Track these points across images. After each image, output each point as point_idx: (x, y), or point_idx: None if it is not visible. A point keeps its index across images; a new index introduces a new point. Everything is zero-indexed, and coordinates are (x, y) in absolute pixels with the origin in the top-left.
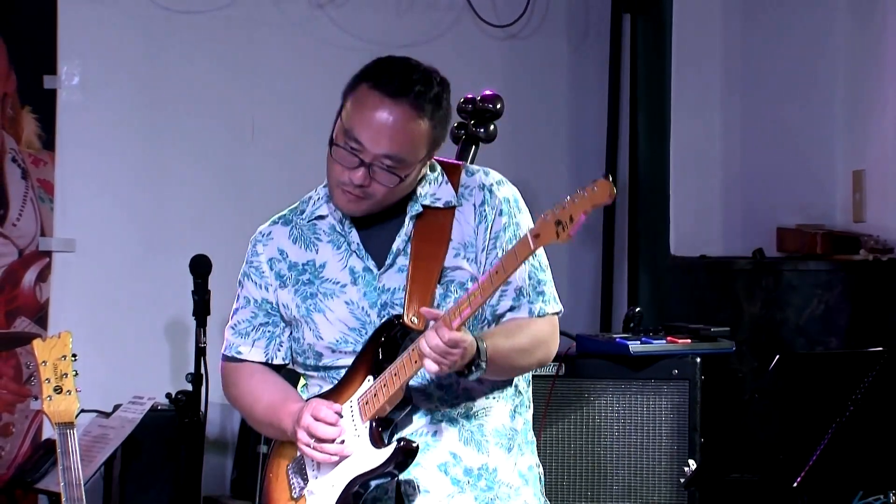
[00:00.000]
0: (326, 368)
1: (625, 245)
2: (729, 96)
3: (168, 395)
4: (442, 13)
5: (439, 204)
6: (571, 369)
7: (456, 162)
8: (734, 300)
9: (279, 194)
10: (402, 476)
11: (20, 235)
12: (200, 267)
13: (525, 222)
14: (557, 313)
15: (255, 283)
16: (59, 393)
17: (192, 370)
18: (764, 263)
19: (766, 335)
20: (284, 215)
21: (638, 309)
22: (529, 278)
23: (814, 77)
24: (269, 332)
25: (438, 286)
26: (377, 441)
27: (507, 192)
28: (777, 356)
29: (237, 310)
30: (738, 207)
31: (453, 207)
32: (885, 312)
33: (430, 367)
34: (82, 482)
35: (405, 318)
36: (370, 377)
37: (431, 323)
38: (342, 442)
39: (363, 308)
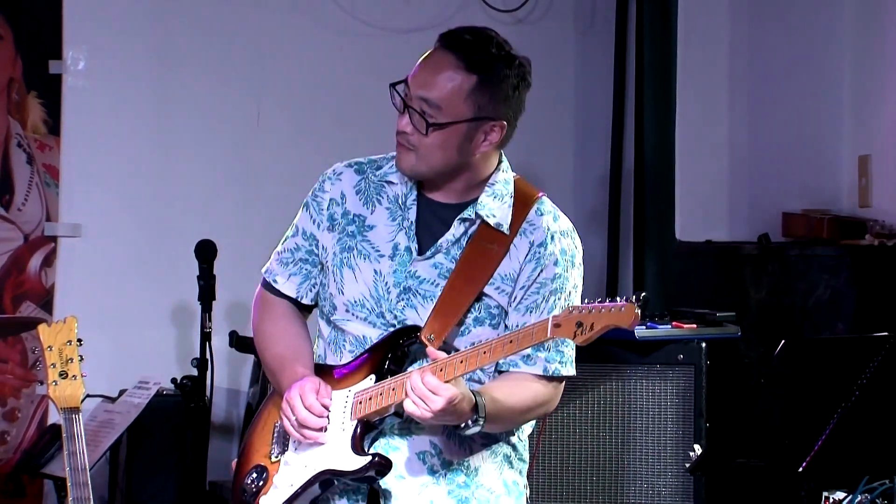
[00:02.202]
0: (335, 327)
1: (630, 230)
2: (735, 81)
3: (174, 381)
4: None
5: (491, 221)
6: (577, 354)
7: (535, 190)
8: (740, 285)
9: (285, 179)
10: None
11: (26, 220)
12: (206, 252)
13: (574, 280)
14: (570, 378)
15: (311, 217)
16: (64, 378)
17: (197, 355)
18: (770, 249)
19: (772, 320)
20: (361, 163)
21: (644, 294)
22: None
23: (820, 62)
24: (305, 270)
25: (472, 308)
26: (357, 447)
27: (568, 244)
28: (783, 341)
29: (288, 237)
30: (743, 193)
31: (506, 236)
32: (891, 297)
33: (408, 407)
34: (88, 467)
35: (423, 334)
36: (372, 377)
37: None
38: (325, 430)
39: (387, 284)
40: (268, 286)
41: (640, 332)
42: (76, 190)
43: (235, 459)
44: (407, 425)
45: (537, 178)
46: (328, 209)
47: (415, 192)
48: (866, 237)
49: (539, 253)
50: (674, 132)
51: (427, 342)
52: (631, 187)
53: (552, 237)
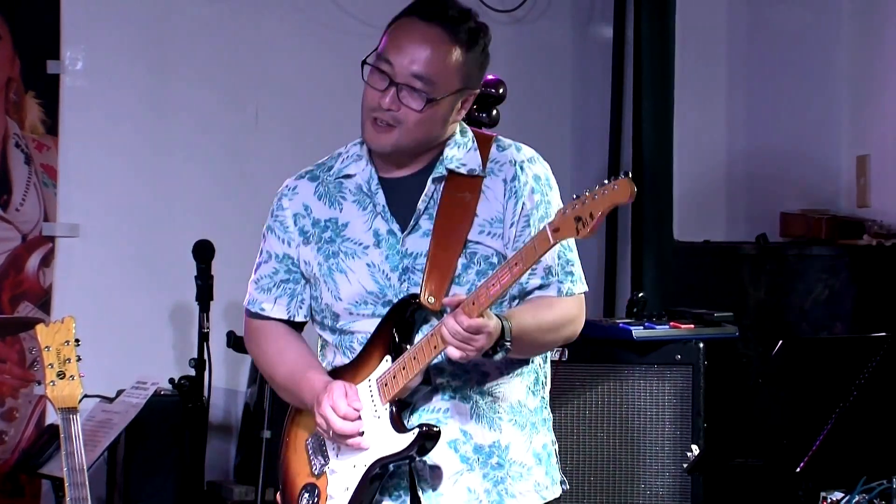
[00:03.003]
0: (342, 332)
1: (628, 230)
2: (733, 81)
3: (171, 381)
4: None
5: (463, 170)
6: (575, 354)
7: (488, 132)
8: (738, 285)
9: (283, 179)
10: None
11: (24, 220)
12: (204, 252)
13: (556, 201)
14: (584, 293)
15: (278, 238)
16: (62, 378)
17: (195, 355)
18: (769, 248)
19: (771, 320)
20: (311, 171)
21: (641, 294)
22: (559, 257)
23: (818, 62)
24: (290, 289)
25: (461, 258)
26: (398, 425)
27: (539, 169)
28: (781, 341)
29: (260, 264)
30: (742, 193)
31: (479, 178)
32: (889, 297)
33: (453, 353)
34: (86, 467)
35: (422, 297)
36: (388, 357)
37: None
38: (361, 433)
39: (384, 271)
40: (255, 316)
41: (638, 332)
42: (74, 190)
43: (278, 493)
44: (435, 415)
45: None
46: (296, 224)
47: (376, 177)
48: (864, 237)
49: (514, 187)
50: (672, 132)
51: (428, 305)
52: None
53: (521, 167)
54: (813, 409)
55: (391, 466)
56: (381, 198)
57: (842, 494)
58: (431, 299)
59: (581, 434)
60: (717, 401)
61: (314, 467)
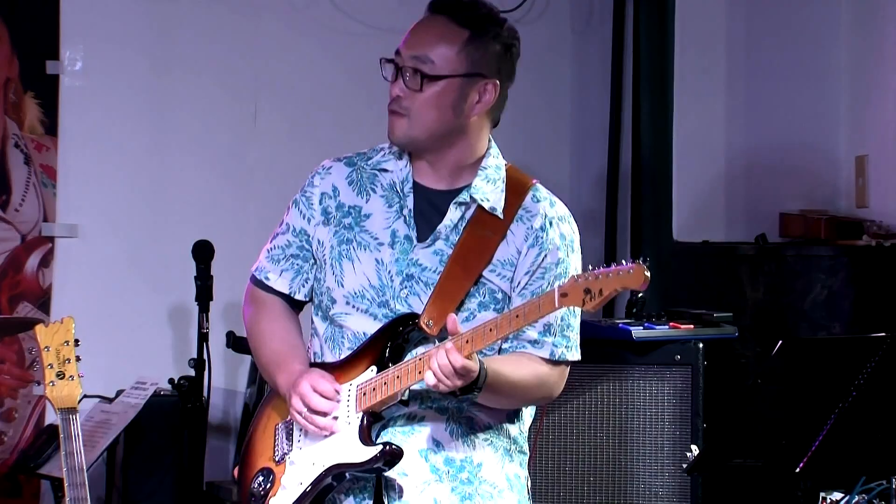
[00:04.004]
0: (333, 323)
1: (627, 230)
2: (732, 81)
3: (171, 381)
4: None
5: (486, 205)
6: None
7: (529, 177)
8: (737, 286)
9: (282, 179)
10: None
11: (23, 221)
12: (203, 252)
13: (575, 266)
14: (575, 363)
15: (301, 212)
16: (61, 378)
17: (194, 355)
18: (767, 249)
19: (770, 320)
20: (350, 157)
21: (641, 294)
22: (561, 319)
23: (817, 62)
24: (297, 265)
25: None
26: (365, 437)
27: (567, 229)
28: (780, 341)
29: (277, 234)
30: (741, 193)
31: (501, 221)
32: (888, 298)
33: (430, 380)
34: (85, 467)
35: (421, 319)
36: (373, 368)
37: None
38: (335, 419)
39: (389, 273)
40: (259, 283)
41: (638, 332)
42: (73, 190)
43: (237, 467)
44: (409, 422)
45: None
46: (320, 203)
47: (411, 180)
48: (863, 237)
49: (541, 238)
50: (671, 132)
51: (426, 328)
52: (628, 187)
53: (551, 223)
54: (812, 409)
55: (347, 475)
56: (410, 201)
57: (841, 495)
58: (430, 324)
59: (580, 434)
60: (717, 401)
61: (277, 452)
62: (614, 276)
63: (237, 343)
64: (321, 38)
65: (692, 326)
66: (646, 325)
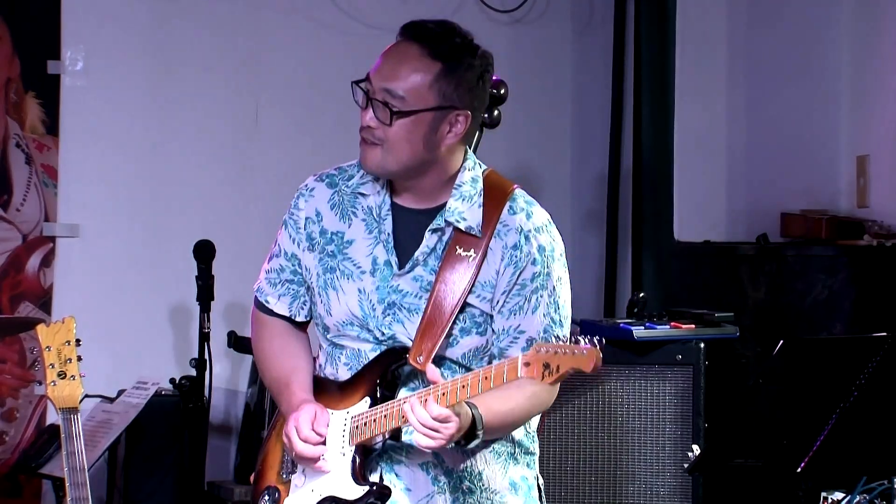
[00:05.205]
0: (332, 343)
1: (628, 230)
2: (733, 81)
3: (172, 381)
4: None
5: (462, 226)
6: None
7: (508, 184)
8: (738, 285)
9: (283, 179)
10: (387, 471)
11: (24, 221)
12: (204, 252)
13: (557, 273)
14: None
15: (290, 236)
16: (63, 378)
17: (195, 355)
18: (768, 249)
19: (770, 320)
20: (332, 175)
21: (642, 294)
22: (545, 332)
23: (818, 62)
24: (293, 290)
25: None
26: (357, 475)
27: (545, 239)
28: (781, 341)
29: (273, 255)
30: (742, 193)
31: (480, 239)
32: (889, 297)
33: (421, 440)
34: (86, 467)
35: (411, 356)
36: (367, 400)
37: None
38: (322, 458)
39: (371, 301)
40: (261, 306)
41: (639, 332)
42: (74, 190)
43: (254, 472)
44: (411, 436)
45: (535, 179)
46: (305, 228)
47: (388, 202)
48: (864, 237)
49: (515, 256)
50: (672, 132)
51: (416, 364)
52: (629, 187)
53: (527, 237)
54: (813, 409)
55: None
56: (388, 225)
57: (842, 494)
58: (421, 359)
59: (581, 434)
60: (718, 401)
61: (284, 470)
62: (570, 356)
63: (238, 343)
64: (322, 37)
65: (693, 326)
66: (647, 324)
